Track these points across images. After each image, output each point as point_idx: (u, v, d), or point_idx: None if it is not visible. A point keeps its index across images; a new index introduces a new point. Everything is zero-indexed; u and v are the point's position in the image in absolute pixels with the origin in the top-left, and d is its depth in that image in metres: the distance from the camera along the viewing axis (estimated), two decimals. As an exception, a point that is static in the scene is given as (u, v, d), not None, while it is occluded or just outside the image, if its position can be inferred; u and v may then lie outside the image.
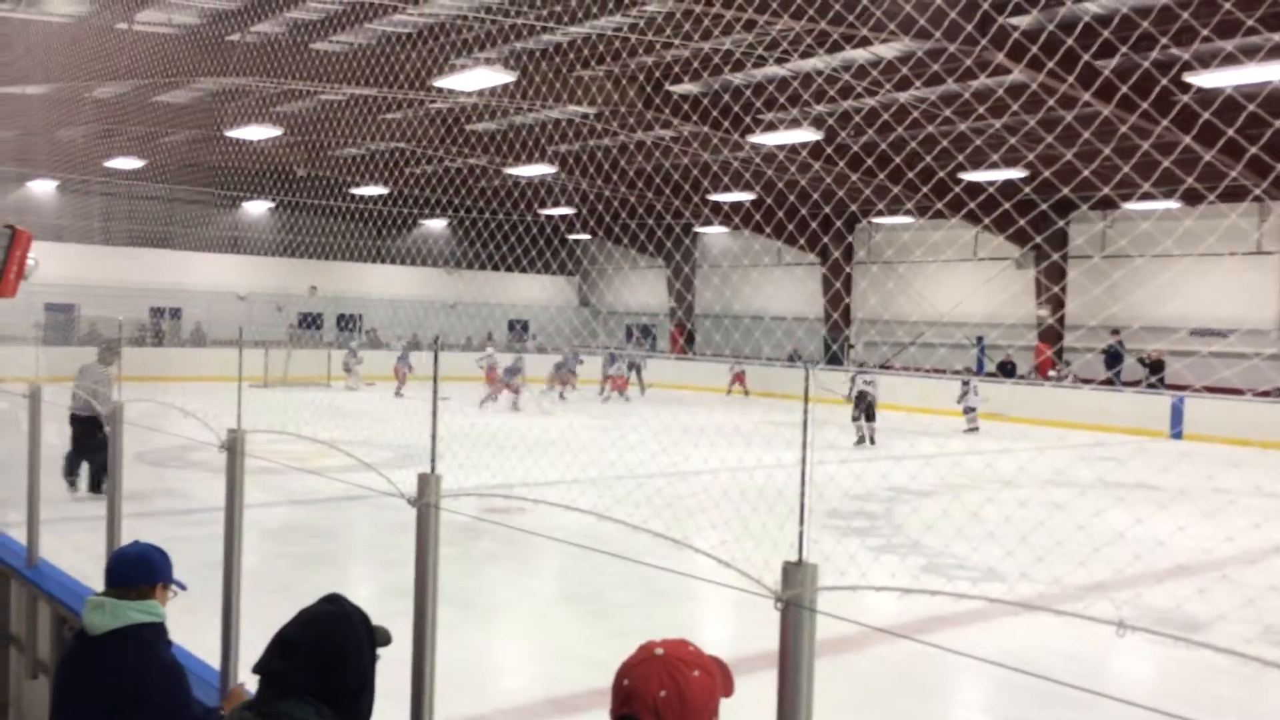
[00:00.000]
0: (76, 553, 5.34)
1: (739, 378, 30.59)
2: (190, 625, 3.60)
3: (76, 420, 11.30)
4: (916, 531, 10.75)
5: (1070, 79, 13.59)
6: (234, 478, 3.42)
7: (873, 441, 18.92)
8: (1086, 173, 18.44)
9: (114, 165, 29.57)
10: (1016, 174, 20.72)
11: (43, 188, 33.67)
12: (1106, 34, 13.37)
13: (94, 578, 4.60)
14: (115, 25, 17.24)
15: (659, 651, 1.81)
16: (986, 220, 24.79)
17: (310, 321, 38.02)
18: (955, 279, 30.96)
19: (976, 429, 22.27)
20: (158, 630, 2.99)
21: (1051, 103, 14.88)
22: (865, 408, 18.97)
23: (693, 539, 2.54)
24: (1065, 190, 22.40)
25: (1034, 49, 13.52)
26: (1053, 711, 5.96)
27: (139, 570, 3.01)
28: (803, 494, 1.82)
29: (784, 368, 29.73)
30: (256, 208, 38.32)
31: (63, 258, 31.67)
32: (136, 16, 17.44)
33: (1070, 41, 13.61)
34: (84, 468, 11.36)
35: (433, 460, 2.61)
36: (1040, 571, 8.51)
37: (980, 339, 30.48)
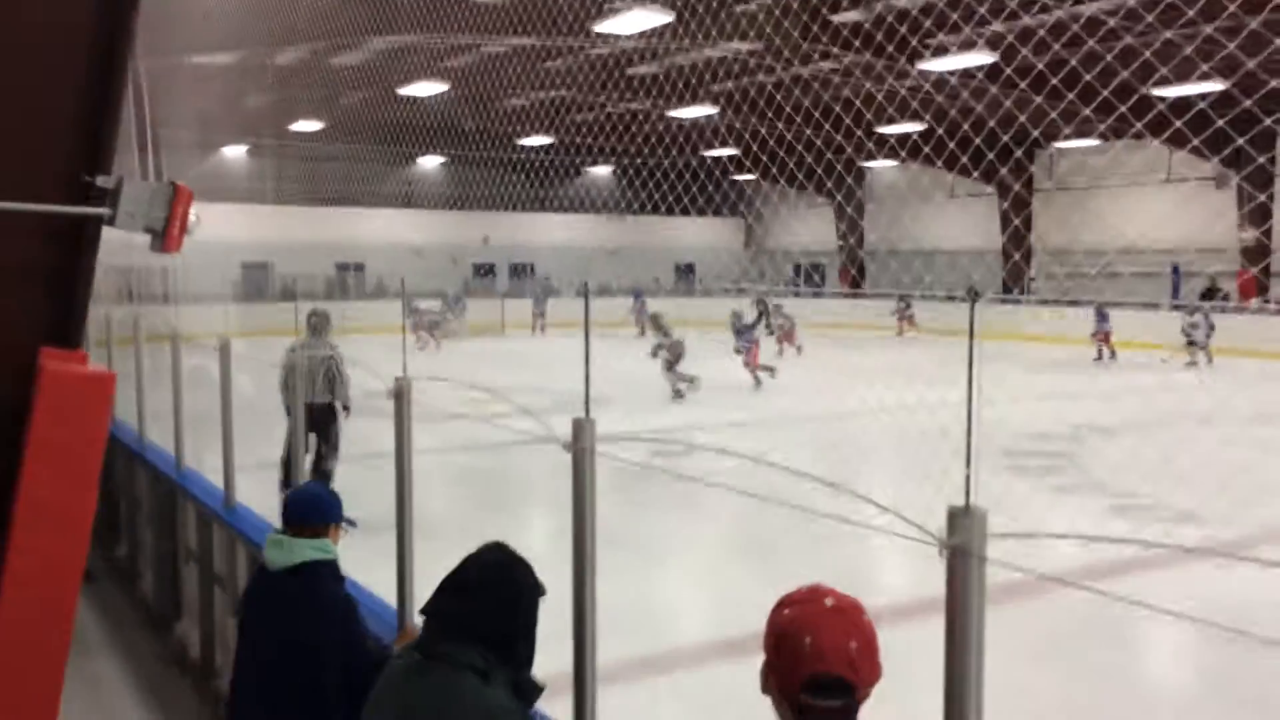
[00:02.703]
0: (268, 497, 5.66)
1: (906, 317, 29.97)
2: (380, 566, 3.76)
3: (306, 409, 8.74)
4: (1102, 472, 10.24)
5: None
6: (402, 423, 3.52)
7: (679, 395, 16.44)
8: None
9: (297, 128, 31.01)
10: (1209, 87, 19.16)
11: (234, 152, 35.65)
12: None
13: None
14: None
15: (829, 603, 1.72)
16: (1175, 131, 23.07)
17: (484, 272, 39.11)
18: (1145, 202, 29.08)
19: (1195, 363, 21.19)
20: (331, 567, 3.16)
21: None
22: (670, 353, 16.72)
23: (853, 483, 2.45)
24: (1248, 102, 20.51)
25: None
26: (1265, 664, 5.56)
27: (312, 512, 3.16)
28: (969, 433, 1.70)
29: (960, 303, 28.71)
30: (429, 163, 39.53)
31: (255, 219, 33.63)
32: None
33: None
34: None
35: (586, 405, 2.59)
36: (1246, 515, 7.96)
37: (1175, 265, 28.60)
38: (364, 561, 4.26)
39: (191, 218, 2.28)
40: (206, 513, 5.72)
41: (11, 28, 2.05)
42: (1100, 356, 22.41)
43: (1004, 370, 17.71)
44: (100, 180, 2.18)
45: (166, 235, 2.21)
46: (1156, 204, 28.73)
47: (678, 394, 16.53)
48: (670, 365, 16.70)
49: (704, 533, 8.78)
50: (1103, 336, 22.58)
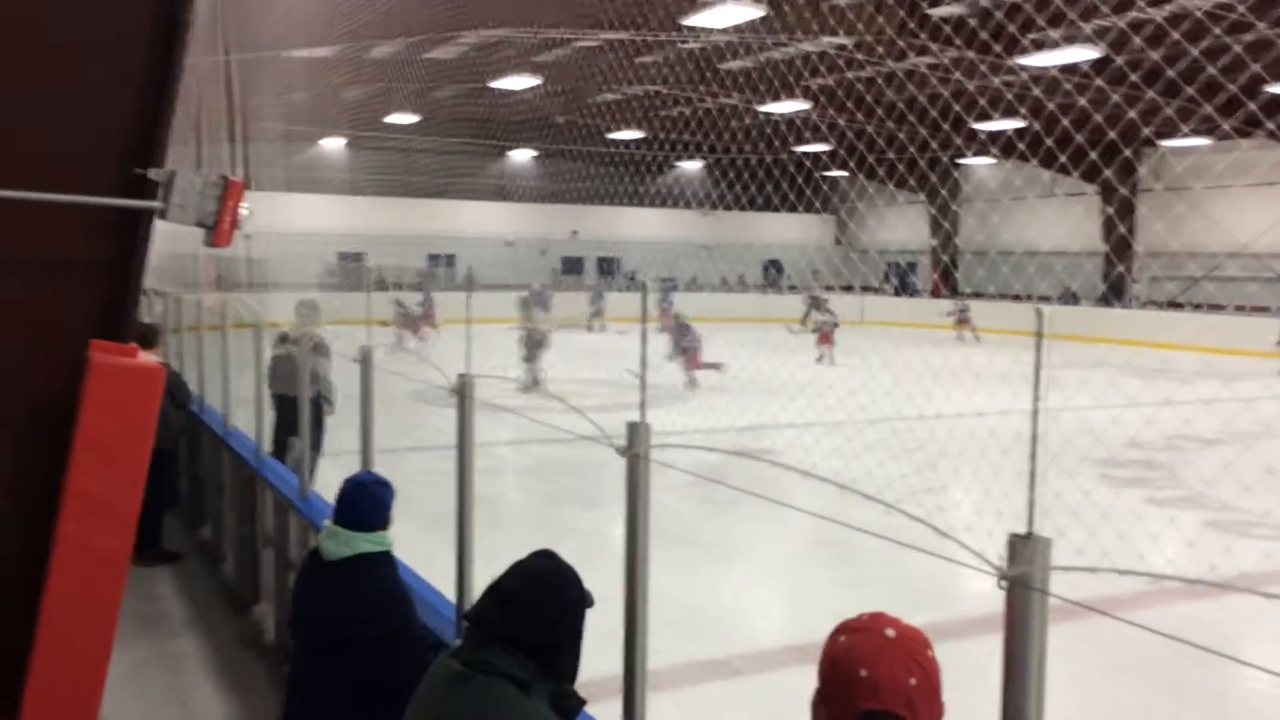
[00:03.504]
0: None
1: (963, 320, 28.58)
2: (447, 556, 3.75)
3: (280, 401, 8.02)
4: (1200, 483, 9.81)
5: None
6: (464, 419, 3.50)
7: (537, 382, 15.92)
8: None
9: (392, 121, 31.53)
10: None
11: (333, 145, 36.44)
12: None
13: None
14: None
15: (890, 634, 1.60)
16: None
17: (572, 265, 39.33)
18: (1258, 205, 27.85)
19: None
20: (386, 556, 3.19)
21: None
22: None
23: (922, 494, 2.33)
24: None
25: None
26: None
27: (374, 514, 3.17)
28: (1033, 455, 1.58)
29: (1060, 305, 27.92)
30: (521, 156, 39.86)
31: (352, 209, 34.39)
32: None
33: None
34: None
35: (642, 409, 2.52)
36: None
37: (1288, 271, 27.37)
38: (434, 551, 4.26)
39: (243, 211, 2.27)
40: (283, 500, 5.81)
41: (66, 19, 2.07)
42: None
43: (1102, 376, 17.09)
44: (152, 173, 2.18)
45: (217, 229, 2.22)
46: (1267, 207, 27.50)
47: (535, 383, 16.02)
48: (529, 355, 16.40)
49: (782, 533, 8.63)
50: None
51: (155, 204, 2.17)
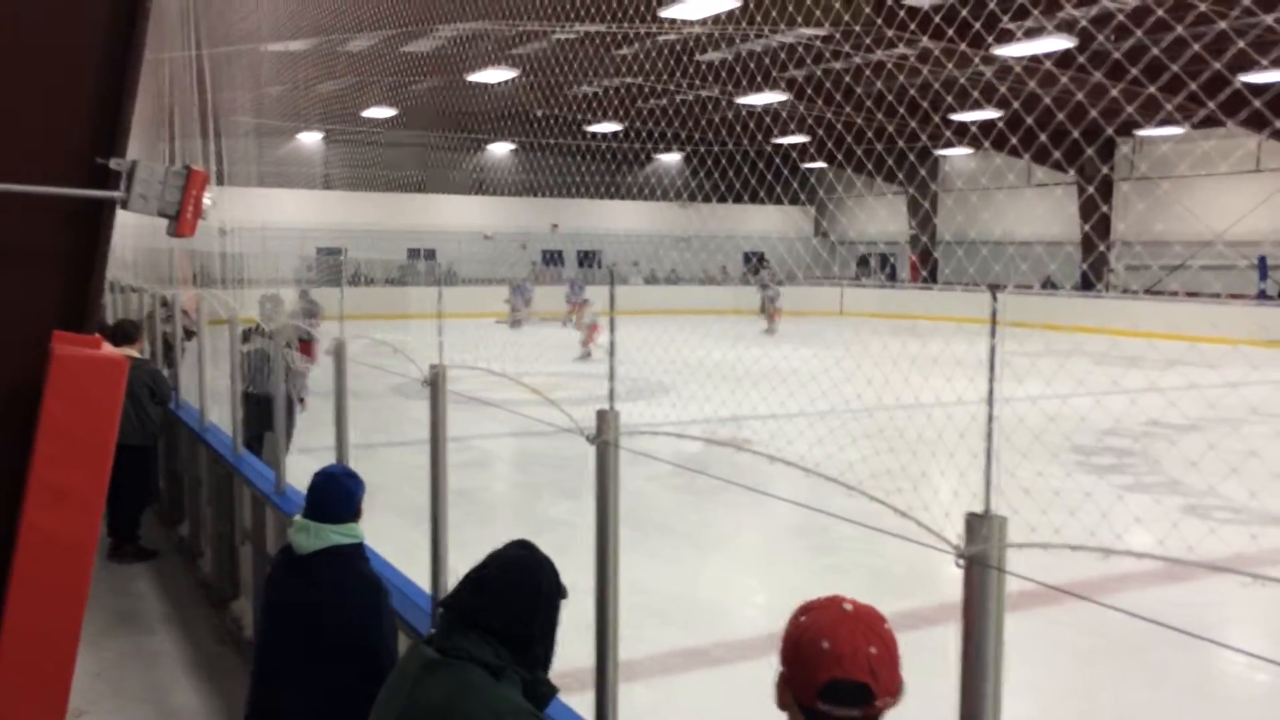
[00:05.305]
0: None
1: (771, 310, 27.95)
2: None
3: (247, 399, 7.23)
4: (1177, 470, 9.90)
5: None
6: (438, 410, 3.50)
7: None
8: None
9: (370, 115, 31.38)
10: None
11: (310, 139, 36.23)
12: None
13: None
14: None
15: (848, 608, 1.67)
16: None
17: (552, 258, 39.28)
18: (1230, 193, 28.06)
19: None
20: (357, 549, 3.20)
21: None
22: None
23: (899, 479, 2.35)
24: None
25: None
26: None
27: (344, 506, 3.17)
28: (989, 434, 1.60)
29: (1039, 295, 28.08)
30: (499, 149, 39.75)
31: (330, 204, 34.24)
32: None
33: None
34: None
35: (610, 398, 2.53)
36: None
37: (1262, 259, 27.60)
38: (414, 545, 4.25)
39: (206, 201, 2.26)
40: (260, 496, 5.79)
41: (26, 10, 2.05)
42: None
43: (1077, 364, 17.21)
44: (114, 163, 2.17)
45: (180, 219, 2.20)
46: (1242, 194, 27.72)
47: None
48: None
49: (762, 521, 8.66)
50: None
51: (117, 194, 2.16)
